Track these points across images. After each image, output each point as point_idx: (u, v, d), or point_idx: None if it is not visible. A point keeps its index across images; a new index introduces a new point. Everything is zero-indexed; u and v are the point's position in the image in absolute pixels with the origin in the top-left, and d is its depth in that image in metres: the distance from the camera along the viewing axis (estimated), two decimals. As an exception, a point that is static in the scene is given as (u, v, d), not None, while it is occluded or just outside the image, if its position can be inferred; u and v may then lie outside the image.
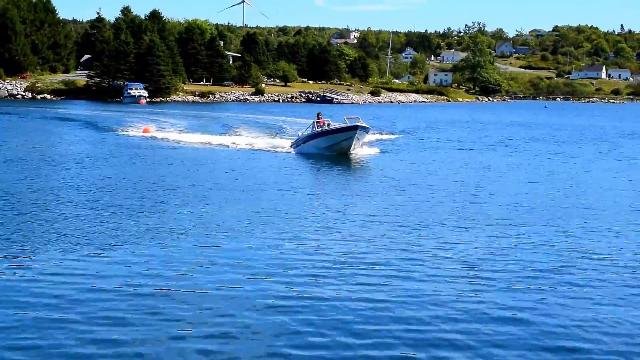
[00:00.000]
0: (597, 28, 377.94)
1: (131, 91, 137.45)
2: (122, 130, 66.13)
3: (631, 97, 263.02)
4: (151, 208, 25.70)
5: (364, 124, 45.79)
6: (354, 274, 17.26)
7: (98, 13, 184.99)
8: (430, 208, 26.80)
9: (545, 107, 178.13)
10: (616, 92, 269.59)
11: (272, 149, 50.01)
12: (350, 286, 16.28)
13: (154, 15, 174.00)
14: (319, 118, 48.39)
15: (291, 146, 49.58)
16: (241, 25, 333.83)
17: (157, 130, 66.81)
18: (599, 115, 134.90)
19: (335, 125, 47.11)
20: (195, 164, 40.82)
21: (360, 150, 46.74)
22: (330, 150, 45.01)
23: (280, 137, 60.24)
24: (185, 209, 25.59)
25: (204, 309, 14.55)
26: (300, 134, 49.85)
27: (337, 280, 16.75)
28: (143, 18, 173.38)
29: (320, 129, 46.04)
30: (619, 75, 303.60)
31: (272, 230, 22.33)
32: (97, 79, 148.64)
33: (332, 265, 17.99)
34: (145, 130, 66.56)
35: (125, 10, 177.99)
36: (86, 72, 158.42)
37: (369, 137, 49.88)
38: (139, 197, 28.06)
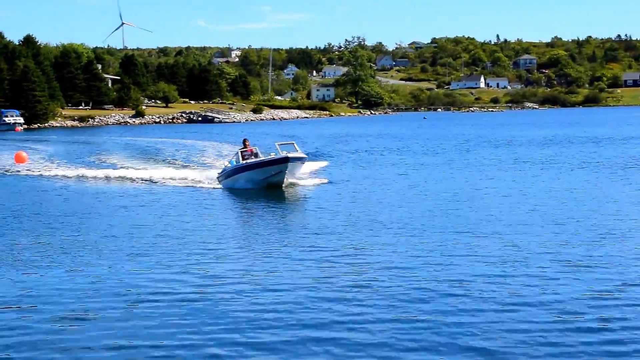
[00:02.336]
0: (473, 39, 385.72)
1: (6, 118, 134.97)
2: None
3: (509, 105, 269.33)
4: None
5: (298, 154, 39.81)
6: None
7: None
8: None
9: (424, 118, 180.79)
10: (495, 101, 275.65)
11: (193, 184, 42.31)
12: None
13: (28, 40, 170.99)
14: (245, 145, 41.13)
15: (217, 179, 41.69)
16: (121, 47, 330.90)
17: (34, 161, 59.91)
18: (471, 123, 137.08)
19: (262, 156, 40.04)
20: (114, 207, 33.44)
21: (297, 180, 40.38)
22: (259, 184, 38.67)
23: (197, 169, 51.26)
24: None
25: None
26: (226, 164, 42.45)
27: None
28: (17, 43, 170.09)
29: (245, 162, 39.18)
30: (497, 84, 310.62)
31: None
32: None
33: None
34: (17, 159, 56.01)
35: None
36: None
37: (305, 168, 42.61)
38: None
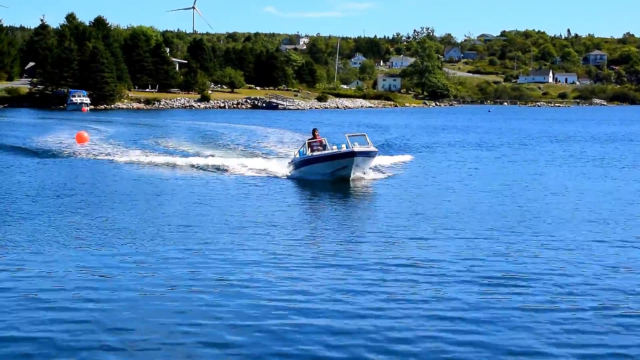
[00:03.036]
0: (544, 33, 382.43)
1: (74, 98, 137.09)
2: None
3: (577, 100, 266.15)
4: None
5: (367, 147, 38.31)
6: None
7: (41, 20, 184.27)
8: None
9: (489, 111, 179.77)
10: (563, 96, 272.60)
11: (265, 174, 40.78)
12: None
13: (99, 22, 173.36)
14: (314, 136, 40.04)
15: (287, 169, 40.46)
16: (191, 31, 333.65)
17: (98, 143, 60.04)
18: (538, 118, 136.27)
19: (331, 148, 38.50)
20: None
21: (365, 175, 38.56)
22: (326, 177, 37.58)
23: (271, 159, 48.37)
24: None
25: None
26: (295, 154, 41.15)
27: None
28: (87, 25, 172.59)
29: (312, 154, 38.20)
30: (566, 79, 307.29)
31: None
32: (41, 87, 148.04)
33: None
34: (79, 139, 60.74)
35: (70, 17, 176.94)
36: (30, 79, 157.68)
37: (376, 161, 41.63)
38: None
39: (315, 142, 39.25)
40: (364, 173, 38.36)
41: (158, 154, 52.11)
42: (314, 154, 38.28)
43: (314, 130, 40.55)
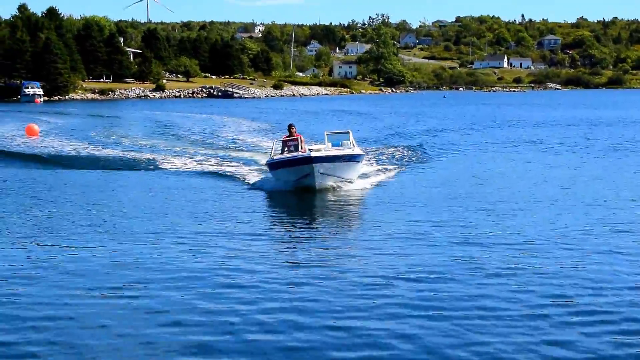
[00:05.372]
0: (498, 18, 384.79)
1: (27, 90, 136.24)
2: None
3: (532, 85, 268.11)
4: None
5: (339, 150, 31.03)
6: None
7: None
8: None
9: (444, 97, 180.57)
10: (518, 81, 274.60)
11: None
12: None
13: (51, 13, 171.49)
14: (290, 133, 32.88)
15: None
16: (145, 20, 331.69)
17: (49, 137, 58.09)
18: (484, 103, 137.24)
19: (307, 148, 31.11)
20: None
21: (343, 184, 30.92)
22: (292, 186, 30.37)
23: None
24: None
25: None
26: (272, 153, 32.41)
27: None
28: (40, 15, 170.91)
29: (280, 157, 30.94)
30: (521, 64, 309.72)
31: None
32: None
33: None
34: (29, 132, 59.67)
35: (22, 8, 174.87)
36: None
37: (360, 168, 32.85)
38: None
39: (291, 140, 31.94)
40: (342, 182, 30.67)
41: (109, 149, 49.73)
42: (281, 156, 31.10)
43: (289, 127, 33.14)
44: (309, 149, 30.42)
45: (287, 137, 32.35)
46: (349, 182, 30.90)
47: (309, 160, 29.09)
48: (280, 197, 29.65)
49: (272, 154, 31.94)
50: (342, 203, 27.94)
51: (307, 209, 27.53)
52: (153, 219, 24.05)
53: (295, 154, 30.44)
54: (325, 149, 30.76)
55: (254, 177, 34.32)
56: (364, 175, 33.65)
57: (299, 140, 31.51)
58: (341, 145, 31.66)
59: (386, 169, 37.61)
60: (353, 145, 31.95)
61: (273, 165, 30.84)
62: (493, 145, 52.11)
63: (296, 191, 30.02)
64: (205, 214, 24.94)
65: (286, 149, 31.51)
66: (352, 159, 30.91)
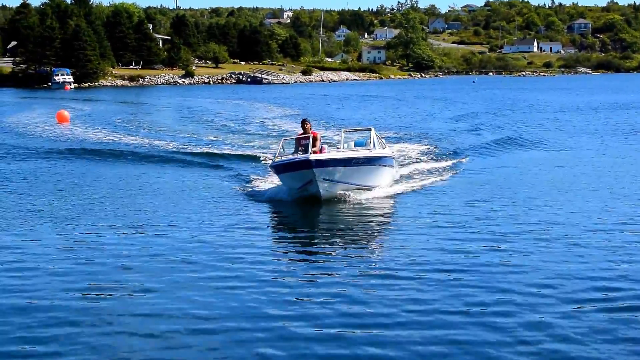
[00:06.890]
0: (527, 2, 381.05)
1: (57, 77, 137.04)
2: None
3: (562, 69, 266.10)
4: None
5: (351, 153, 25.76)
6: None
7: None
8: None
9: (473, 82, 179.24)
10: (548, 65, 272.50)
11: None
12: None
13: (81, 0, 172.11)
14: (304, 130, 26.74)
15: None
16: (174, 7, 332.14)
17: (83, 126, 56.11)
18: (517, 88, 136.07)
19: (327, 149, 26.75)
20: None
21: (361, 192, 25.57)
22: (298, 195, 25.16)
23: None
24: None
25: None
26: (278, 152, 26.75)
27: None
28: (69, 3, 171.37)
29: (280, 160, 25.65)
30: (550, 48, 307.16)
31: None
32: (23, 66, 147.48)
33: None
34: (60, 118, 59.30)
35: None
36: (12, 59, 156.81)
37: (387, 172, 27.34)
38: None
39: (304, 139, 26.05)
40: (359, 189, 25.45)
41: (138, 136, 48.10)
42: (282, 158, 25.73)
43: (303, 122, 27.10)
44: (318, 151, 25.50)
45: (301, 134, 26.62)
46: (368, 189, 25.61)
47: (307, 164, 23.91)
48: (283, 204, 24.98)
49: (276, 155, 26.35)
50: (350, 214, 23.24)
51: (315, 219, 23.31)
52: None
53: (299, 155, 24.99)
54: (342, 150, 26.11)
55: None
56: (407, 178, 29.07)
57: (312, 139, 25.39)
58: (365, 145, 26.51)
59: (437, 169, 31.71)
60: (374, 144, 26.27)
61: (276, 168, 25.69)
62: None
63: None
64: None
65: (300, 149, 25.82)
66: (370, 162, 25.55)
